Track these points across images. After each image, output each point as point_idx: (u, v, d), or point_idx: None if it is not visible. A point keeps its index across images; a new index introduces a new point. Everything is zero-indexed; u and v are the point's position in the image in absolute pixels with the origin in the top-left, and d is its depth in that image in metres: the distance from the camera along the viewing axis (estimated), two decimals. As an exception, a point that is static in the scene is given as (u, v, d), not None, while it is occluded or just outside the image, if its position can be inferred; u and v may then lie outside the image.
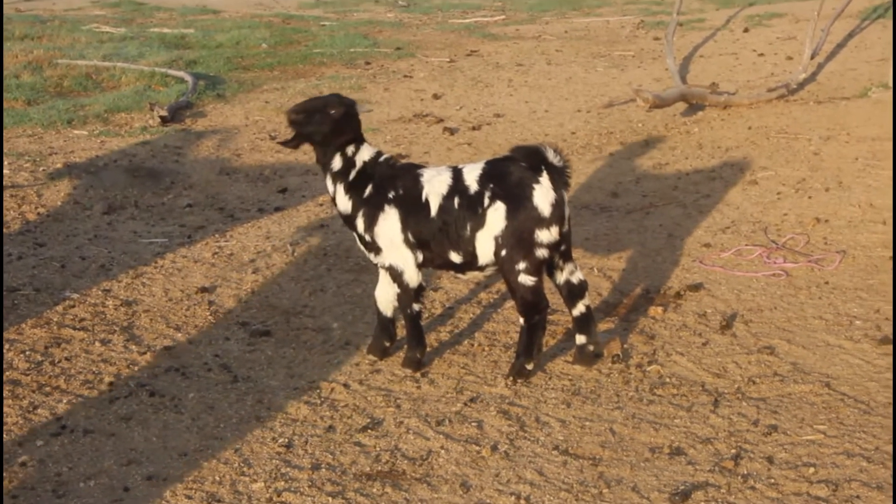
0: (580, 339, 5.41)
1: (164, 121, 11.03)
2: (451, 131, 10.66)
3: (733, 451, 4.55)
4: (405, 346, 5.47)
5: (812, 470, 4.37)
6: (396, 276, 5.28)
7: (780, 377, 5.23)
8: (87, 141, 10.35)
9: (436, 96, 12.37)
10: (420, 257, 5.24)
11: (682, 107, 11.10)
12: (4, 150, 9.74)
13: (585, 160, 9.56)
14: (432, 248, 5.20)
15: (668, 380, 5.26)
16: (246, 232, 7.86)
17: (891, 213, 7.39)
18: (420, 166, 5.36)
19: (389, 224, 5.18)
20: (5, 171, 9.06)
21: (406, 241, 5.19)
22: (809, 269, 6.67)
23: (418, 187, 5.18)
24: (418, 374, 5.37)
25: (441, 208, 5.12)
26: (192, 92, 12.23)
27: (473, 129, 10.81)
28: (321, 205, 8.37)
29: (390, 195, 5.17)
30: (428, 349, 5.62)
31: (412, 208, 5.16)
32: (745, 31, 16.04)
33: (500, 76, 13.52)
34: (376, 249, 5.27)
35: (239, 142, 10.49)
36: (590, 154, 9.79)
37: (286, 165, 9.68)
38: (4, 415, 4.98)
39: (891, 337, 5.55)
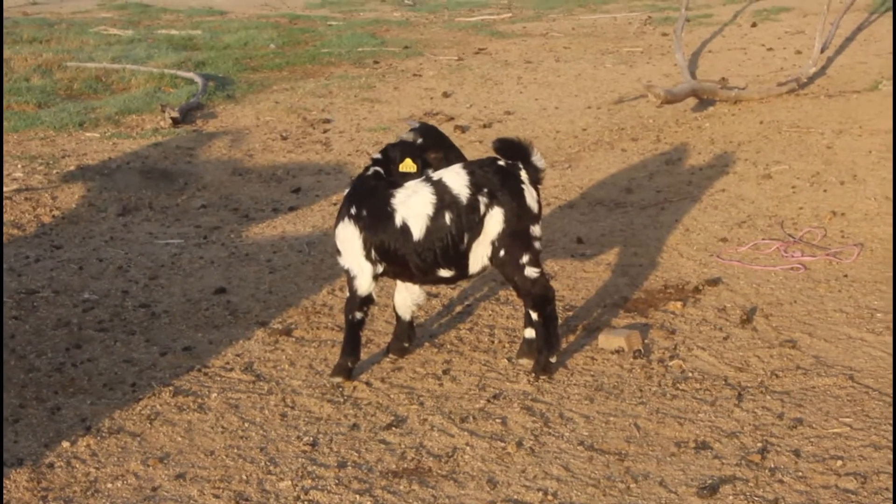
0: (530, 332, 5.42)
1: (176, 122, 11.04)
2: (463, 129, 10.64)
3: (759, 444, 4.54)
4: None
5: (840, 462, 4.36)
6: (349, 280, 5.31)
7: (803, 370, 5.23)
8: (99, 143, 10.37)
9: (445, 95, 12.36)
10: (380, 269, 5.24)
11: (692, 102, 11.09)
12: (17, 153, 9.75)
13: (597, 156, 9.56)
14: (410, 268, 5.17)
15: (690, 374, 5.25)
16: (261, 232, 7.86)
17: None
18: (396, 185, 5.22)
19: (347, 236, 5.21)
20: (19, 175, 9.08)
21: (367, 256, 5.20)
22: (828, 262, 6.66)
23: (388, 210, 5.12)
24: (440, 372, 5.37)
25: (429, 230, 5.07)
26: (202, 93, 12.23)
27: (484, 126, 10.80)
28: (335, 204, 8.37)
29: (352, 211, 5.20)
30: (449, 347, 5.63)
31: (380, 231, 5.13)
32: (753, 25, 16.02)
33: (509, 74, 13.51)
34: (336, 251, 5.35)
35: (250, 142, 10.49)
36: (601, 150, 9.79)
37: (299, 165, 9.68)
38: (30, 416, 5.00)
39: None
